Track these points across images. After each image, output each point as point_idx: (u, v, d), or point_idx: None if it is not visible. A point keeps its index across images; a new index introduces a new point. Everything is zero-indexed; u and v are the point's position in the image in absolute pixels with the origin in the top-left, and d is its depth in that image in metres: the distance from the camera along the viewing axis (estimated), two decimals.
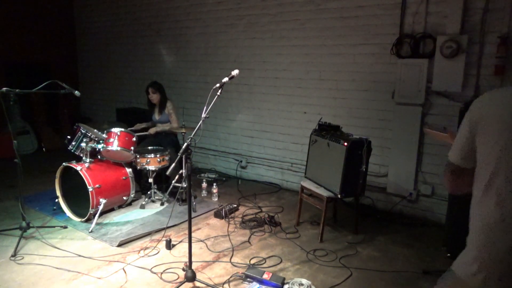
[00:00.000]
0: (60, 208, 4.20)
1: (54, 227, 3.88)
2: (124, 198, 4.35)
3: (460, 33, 3.86)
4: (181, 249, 3.53)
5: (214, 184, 4.97)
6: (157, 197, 4.68)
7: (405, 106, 4.28)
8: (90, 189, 3.86)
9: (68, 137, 4.27)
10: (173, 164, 2.80)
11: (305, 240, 3.78)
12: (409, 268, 3.28)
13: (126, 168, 4.38)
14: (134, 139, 4.33)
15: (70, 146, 4.20)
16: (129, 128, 4.68)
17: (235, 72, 2.99)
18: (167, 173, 2.84)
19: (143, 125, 5.13)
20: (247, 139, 5.80)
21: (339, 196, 3.65)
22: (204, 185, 5.03)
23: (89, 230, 3.80)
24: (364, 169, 3.68)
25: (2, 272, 3.08)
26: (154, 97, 5.00)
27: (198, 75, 6.17)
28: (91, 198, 3.87)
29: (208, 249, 3.54)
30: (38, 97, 7.13)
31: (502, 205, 1.23)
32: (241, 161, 5.86)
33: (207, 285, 2.89)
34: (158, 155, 4.45)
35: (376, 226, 4.16)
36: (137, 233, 3.77)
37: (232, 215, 4.32)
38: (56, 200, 4.21)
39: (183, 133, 4.59)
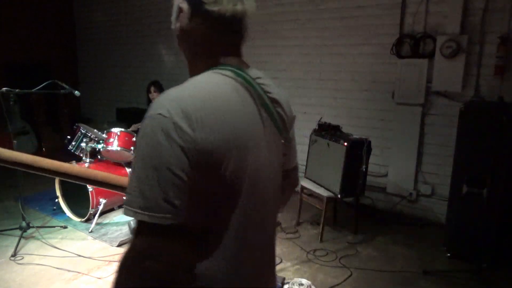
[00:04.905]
0: (60, 208, 4.20)
1: (54, 227, 3.88)
2: (124, 198, 4.34)
3: (460, 33, 3.86)
4: None
5: None
6: None
7: (405, 106, 4.28)
8: (90, 189, 3.86)
9: (68, 137, 4.27)
10: None
11: (305, 240, 3.78)
12: (409, 268, 3.28)
13: (126, 168, 4.38)
14: (134, 139, 4.33)
15: (70, 146, 4.20)
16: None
17: None
18: None
19: (139, 125, 5.12)
20: None
21: (339, 196, 3.65)
22: None
23: (89, 230, 3.80)
24: (364, 169, 3.68)
25: (2, 272, 3.08)
26: (155, 96, 5.00)
27: None
28: (91, 198, 3.87)
29: None
30: (38, 97, 7.13)
31: None
32: None
33: None
34: None
35: (376, 226, 4.16)
36: None
37: None
38: (56, 200, 4.20)
39: None
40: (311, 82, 5.02)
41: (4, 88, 3.43)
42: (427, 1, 4.06)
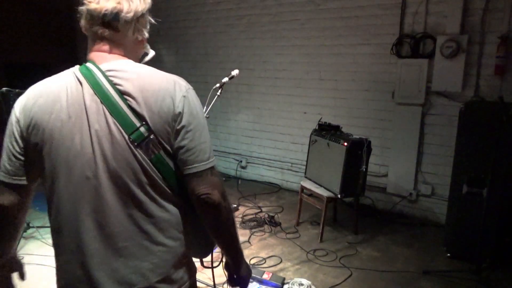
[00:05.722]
0: None
1: None
2: None
3: (460, 33, 3.86)
4: None
5: None
6: None
7: (405, 106, 4.28)
8: None
9: None
10: None
11: (305, 240, 3.78)
12: (409, 268, 3.28)
13: None
14: None
15: None
16: None
17: (235, 72, 2.99)
18: None
19: None
20: (247, 139, 5.79)
21: (339, 196, 3.65)
22: None
23: None
24: (364, 169, 3.68)
25: None
26: None
27: (198, 75, 6.16)
28: None
29: None
30: None
31: None
32: (241, 161, 5.85)
33: (207, 285, 2.89)
34: None
35: (376, 226, 4.16)
36: None
37: None
38: None
39: None
40: (311, 82, 5.02)
41: (4, 88, 3.44)
42: (427, 1, 4.06)
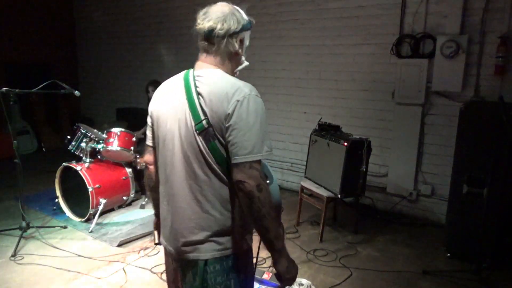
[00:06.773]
0: (60, 208, 4.20)
1: (54, 227, 3.88)
2: (124, 198, 4.35)
3: (460, 33, 3.86)
4: None
5: None
6: None
7: (405, 106, 4.28)
8: (90, 189, 3.86)
9: (68, 137, 4.27)
10: None
11: (305, 240, 3.78)
12: (409, 268, 3.28)
13: (126, 168, 4.38)
14: (134, 139, 4.33)
15: (70, 146, 4.20)
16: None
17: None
18: None
19: (141, 132, 5.00)
20: None
21: (339, 196, 3.65)
22: None
23: (89, 230, 3.80)
24: (364, 169, 3.68)
25: (2, 272, 3.08)
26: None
27: None
28: (91, 198, 3.87)
29: None
30: (38, 97, 7.13)
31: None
32: None
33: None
34: None
35: (376, 226, 4.16)
36: (137, 233, 3.77)
37: None
38: (56, 200, 4.21)
39: None
40: (311, 82, 5.02)
41: (4, 88, 3.43)
42: (427, 1, 4.06)
